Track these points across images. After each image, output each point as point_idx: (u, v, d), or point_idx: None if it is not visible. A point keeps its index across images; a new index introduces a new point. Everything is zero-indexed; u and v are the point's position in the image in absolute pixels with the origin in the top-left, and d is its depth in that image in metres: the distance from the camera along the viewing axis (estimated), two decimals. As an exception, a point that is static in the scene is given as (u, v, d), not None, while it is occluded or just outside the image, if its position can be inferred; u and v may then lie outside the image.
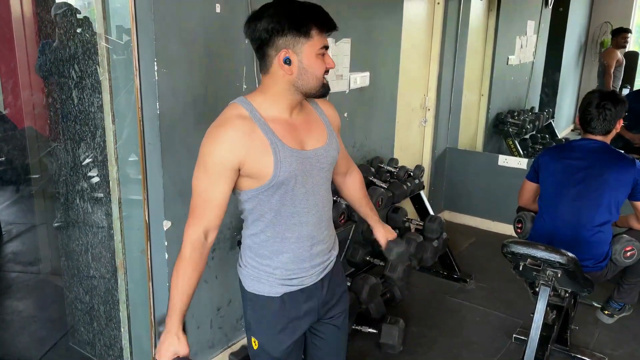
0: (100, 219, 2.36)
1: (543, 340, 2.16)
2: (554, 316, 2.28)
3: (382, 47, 3.34)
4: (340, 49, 2.92)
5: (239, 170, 1.35)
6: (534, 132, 5.77)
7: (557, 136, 6.28)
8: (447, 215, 4.69)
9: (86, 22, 2.21)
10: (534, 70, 6.17)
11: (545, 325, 2.24)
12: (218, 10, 2.17)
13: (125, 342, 2.43)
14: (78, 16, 2.23)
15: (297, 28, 1.31)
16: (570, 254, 1.80)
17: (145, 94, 2.03)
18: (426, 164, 4.34)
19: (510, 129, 5.38)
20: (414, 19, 3.78)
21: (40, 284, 3.27)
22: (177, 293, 1.38)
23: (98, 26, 2.08)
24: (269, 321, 1.51)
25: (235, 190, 1.42)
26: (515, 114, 5.56)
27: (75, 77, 2.25)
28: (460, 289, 3.41)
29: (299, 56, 1.33)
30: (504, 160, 4.29)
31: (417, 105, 4.11)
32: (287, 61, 1.33)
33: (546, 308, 2.27)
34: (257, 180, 1.37)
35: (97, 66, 2.13)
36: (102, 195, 2.33)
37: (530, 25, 5.75)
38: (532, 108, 6.13)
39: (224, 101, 2.28)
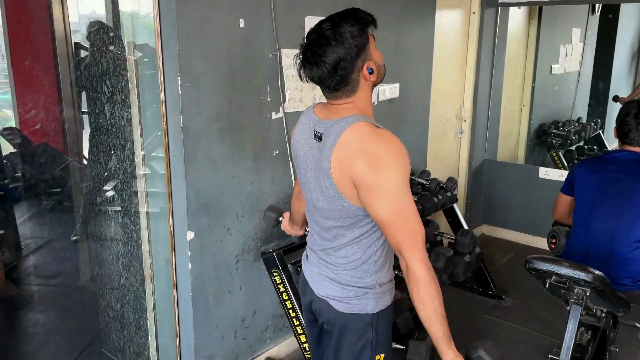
0: (130, 229, 2.44)
1: (576, 362, 2.05)
2: (588, 337, 2.16)
3: (413, 58, 3.31)
4: (368, 61, 2.91)
5: None
6: (580, 144, 5.54)
7: (606, 147, 5.99)
8: (485, 230, 4.56)
9: (117, 40, 2.30)
10: (581, 79, 5.93)
11: (579, 347, 2.13)
12: (242, 25, 2.22)
13: (152, 351, 2.49)
14: (110, 34, 2.33)
15: (365, 40, 1.33)
16: (597, 272, 1.70)
17: (170, 108, 2.10)
18: (462, 176, 4.24)
19: (554, 140, 5.19)
20: (447, 30, 3.73)
21: (63, 296, 3.38)
22: (444, 319, 1.35)
23: (127, 43, 2.17)
24: (390, 329, 1.57)
25: (358, 208, 1.37)
26: (560, 124, 5.36)
27: (107, 92, 2.35)
28: (495, 306, 3.30)
29: (372, 60, 1.37)
30: (545, 173, 4.14)
31: (452, 116, 4.04)
32: (371, 71, 1.36)
33: (580, 328, 2.17)
34: None
35: (126, 82, 2.22)
36: (131, 206, 2.40)
37: (576, 32, 5.55)
38: (579, 118, 5.89)
39: (247, 115, 2.35)
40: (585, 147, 5.62)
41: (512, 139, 5.07)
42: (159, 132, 2.15)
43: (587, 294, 1.76)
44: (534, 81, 5.00)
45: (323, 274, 1.52)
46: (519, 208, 4.30)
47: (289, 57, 2.45)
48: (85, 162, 3.57)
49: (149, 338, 2.47)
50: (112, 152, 2.41)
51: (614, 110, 6.71)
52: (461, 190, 4.26)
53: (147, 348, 2.50)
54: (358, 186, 1.31)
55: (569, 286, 1.76)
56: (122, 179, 2.40)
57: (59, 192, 3.53)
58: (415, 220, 1.31)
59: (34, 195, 3.50)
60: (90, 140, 2.73)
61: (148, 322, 2.45)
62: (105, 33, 2.31)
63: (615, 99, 5.56)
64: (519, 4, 4.17)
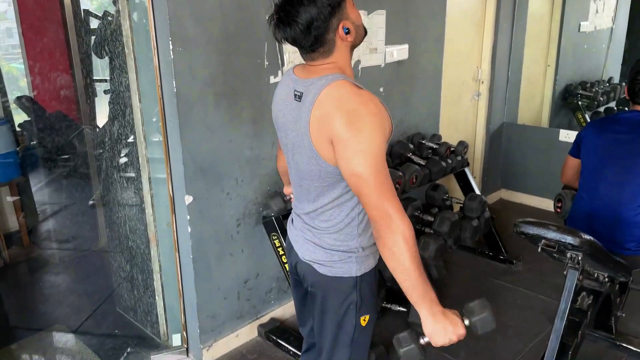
0: (134, 193, 2.50)
1: (573, 326, 2.02)
2: (589, 301, 2.12)
3: (423, 17, 3.20)
4: (373, 22, 2.84)
5: None
6: (610, 105, 5.30)
7: (639, 109, 5.73)
8: (504, 194, 4.47)
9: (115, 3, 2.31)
10: (614, 37, 5.63)
11: (579, 311, 2.09)
12: (235, -13, 2.18)
13: (160, 310, 2.58)
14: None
15: None
16: (585, 236, 1.65)
17: (163, 73, 2.11)
18: (480, 140, 4.15)
19: (581, 102, 4.98)
20: (462, -13, 3.58)
21: (82, 258, 3.51)
22: (423, 273, 1.27)
23: (121, 7, 2.17)
24: (375, 291, 1.55)
25: (335, 168, 1.34)
26: (588, 85, 5.13)
27: (107, 58, 2.37)
28: (505, 271, 3.26)
29: (348, 19, 1.34)
30: (566, 135, 4.00)
31: (468, 78, 3.92)
32: (347, 31, 1.33)
33: (582, 293, 2.13)
34: None
35: (123, 46, 2.24)
36: (134, 171, 2.45)
37: (609, -13, 5.24)
38: (611, 79, 5.62)
39: (244, 79, 2.33)
40: (615, 108, 5.38)
41: (536, 100, 4.90)
42: (155, 97, 2.17)
43: (580, 258, 1.72)
44: (559, 40, 4.77)
45: (307, 237, 1.52)
46: (539, 172, 4.19)
47: (287, 19, 2.40)
48: (97, 128, 3.65)
49: (156, 298, 2.56)
50: (114, 118, 2.46)
51: (650, 69, 6.37)
52: (478, 154, 4.17)
53: (155, 307, 2.60)
54: (335, 143, 1.28)
55: (559, 250, 1.71)
56: (124, 144, 2.45)
57: (74, 159, 3.63)
58: (390, 182, 1.28)
59: (49, 162, 3.61)
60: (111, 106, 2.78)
61: (155, 283, 2.54)
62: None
63: None
64: (541, -42, 3.95)
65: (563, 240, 1.64)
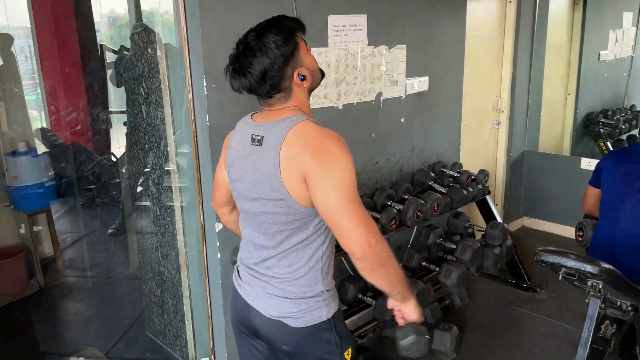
0: (166, 221, 2.61)
1: (596, 355, 2.03)
2: (613, 330, 2.13)
3: (443, 50, 3.31)
4: (394, 56, 2.95)
5: None
6: (633, 132, 5.30)
7: (662, 136, 5.71)
8: (526, 222, 4.48)
9: (153, 43, 2.47)
10: (635, 65, 5.66)
11: (602, 340, 2.10)
12: (264, 26, 2.32)
13: (189, 334, 2.66)
14: (151, 36, 2.50)
15: (292, 47, 1.32)
16: (605, 265, 1.69)
17: (197, 108, 2.24)
18: (500, 168, 4.19)
19: (602, 130, 5.00)
20: (481, 20, 3.69)
21: (110, 285, 3.62)
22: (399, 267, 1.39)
23: (159, 47, 2.32)
24: (344, 322, 1.54)
25: (306, 209, 1.35)
26: (609, 113, 5.16)
27: (143, 93, 2.52)
28: (528, 299, 3.27)
29: (303, 66, 1.36)
30: (588, 164, 4.02)
31: (488, 107, 3.99)
32: (303, 77, 1.36)
33: (605, 321, 2.15)
34: None
35: (159, 83, 2.38)
36: (167, 200, 2.57)
37: (627, 17, 5.30)
38: (633, 106, 5.63)
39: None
40: (638, 136, 5.38)
41: (557, 128, 4.94)
42: (188, 130, 2.30)
43: (601, 286, 1.75)
44: (579, 69, 4.84)
45: (268, 292, 1.44)
46: (561, 200, 4.20)
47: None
48: (114, 159, 3.79)
49: (186, 322, 2.65)
50: (149, 149, 2.59)
51: (673, 96, 6.36)
52: (499, 182, 4.21)
53: (184, 332, 2.68)
54: (308, 178, 1.28)
55: (579, 278, 1.75)
56: (158, 174, 2.58)
57: (92, 189, 3.77)
58: (364, 210, 1.30)
59: (68, 193, 3.73)
60: (129, 138, 2.93)
61: (184, 308, 2.63)
62: (148, 35, 2.47)
63: None
64: (559, -10, 4.05)
65: (582, 269, 1.68)
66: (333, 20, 2.58)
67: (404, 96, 3.08)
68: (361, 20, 2.71)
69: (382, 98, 2.95)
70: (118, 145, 4.15)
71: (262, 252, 1.45)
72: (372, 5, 2.76)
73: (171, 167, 2.46)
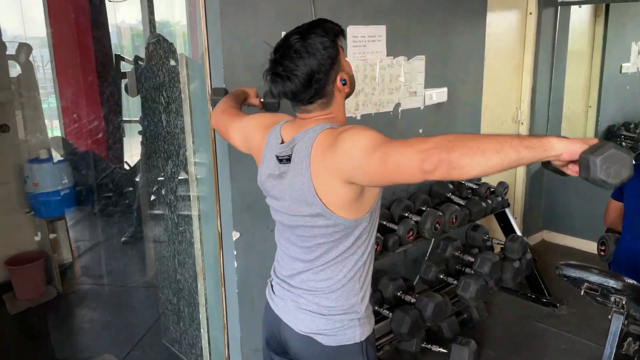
0: (184, 229, 2.63)
1: (620, 373, 1.98)
2: (636, 347, 2.08)
3: (462, 61, 3.29)
4: (413, 66, 2.95)
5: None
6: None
7: (687, 150, 5.59)
8: (546, 236, 4.41)
9: (172, 53, 2.50)
10: (658, 78, 5.57)
11: (625, 357, 2.05)
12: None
13: (204, 343, 2.66)
14: (165, 46, 2.54)
15: (336, 50, 1.30)
16: (628, 280, 1.64)
17: (216, 117, 2.25)
18: (520, 180, 4.14)
19: (624, 143, 4.91)
20: (501, 31, 3.67)
21: (126, 292, 3.64)
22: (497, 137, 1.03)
23: (180, 57, 2.35)
24: (376, 355, 1.46)
25: (346, 220, 1.28)
26: (632, 126, 5.07)
27: (163, 102, 2.55)
28: (548, 314, 3.20)
29: (344, 71, 1.33)
30: (610, 177, 3.94)
31: (507, 119, 3.96)
32: (344, 82, 1.33)
33: (628, 338, 2.09)
34: (374, 197, 1.32)
35: (180, 92, 2.41)
36: (185, 208, 2.59)
37: (651, 28, 5.23)
38: (657, 119, 5.53)
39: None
40: (660, 149, 5.28)
41: (578, 141, 4.86)
42: (207, 139, 2.32)
43: (624, 302, 1.71)
44: (601, 81, 4.77)
45: (301, 307, 1.38)
46: (581, 214, 4.13)
47: (331, 66, 2.54)
48: (127, 167, 3.81)
49: (201, 330, 2.65)
50: (168, 157, 2.61)
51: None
52: (519, 195, 4.15)
53: (200, 340, 2.68)
54: (332, 164, 1.19)
55: (602, 294, 1.71)
56: (177, 182, 2.60)
57: (107, 197, 3.80)
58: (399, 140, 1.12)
59: (83, 201, 3.76)
60: (146, 147, 2.95)
61: (200, 316, 2.63)
62: (163, 46, 2.51)
63: None
64: (579, 3, 4.02)
65: (606, 284, 1.64)
66: (352, 31, 2.59)
67: (422, 107, 3.07)
68: (380, 31, 2.72)
69: (400, 109, 2.94)
70: (130, 154, 4.20)
71: (297, 265, 1.40)
72: (391, 16, 2.77)
73: (189, 175, 2.48)
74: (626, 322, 1.91)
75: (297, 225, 1.36)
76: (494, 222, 3.53)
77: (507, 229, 3.40)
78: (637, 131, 4.98)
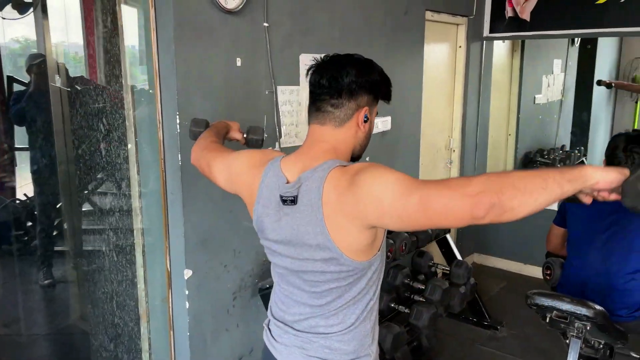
0: (125, 267, 2.40)
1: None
2: (588, 368, 2.17)
3: (403, 90, 3.37)
4: (361, 96, 2.96)
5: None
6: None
7: (590, 174, 6.11)
8: (476, 258, 4.58)
9: (113, 77, 2.31)
10: (563, 109, 6.08)
11: (579, 378, 2.13)
12: (239, 64, 2.25)
13: (147, 392, 2.43)
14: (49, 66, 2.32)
15: (381, 91, 1.31)
16: (598, 307, 1.72)
17: (168, 146, 2.10)
18: (453, 205, 4.28)
19: (540, 169, 5.28)
20: (435, 63, 3.82)
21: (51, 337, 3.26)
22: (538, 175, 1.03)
23: (124, 82, 2.18)
24: None
25: (361, 263, 1.21)
26: (545, 152, 5.47)
27: (103, 130, 2.34)
28: (491, 337, 3.29)
29: (372, 114, 1.30)
30: (534, 201, 4.19)
31: (441, 146, 4.10)
32: (366, 119, 1.28)
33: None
34: (383, 232, 1.26)
35: (124, 120, 2.22)
36: (126, 244, 2.37)
37: (557, 63, 5.71)
38: (563, 146, 6.01)
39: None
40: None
41: (499, 167, 5.15)
42: (156, 170, 2.15)
43: (587, 328, 1.77)
44: (518, 111, 5.12)
45: (309, 354, 1.30)
46: (510, 236, 4.34)
47: (285, 94, 2.48)
48: (25, 198, 3.41)
49: (144, 379, 2.42)
50: (107, 189, 2.40)
51: (596, 137, 6.88)
52: (452, 219, 4.29)
53: (141, 390, 2.44)
54: (352, 208, 1.11)
55: (570, 321, 1.77)
56: (118, 216, 2.38)
57: (5, 237, 3.37)
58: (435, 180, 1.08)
59: None
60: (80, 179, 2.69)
61: (143, 363, 2.40)
62: (46, 65, 2.29)
63: (599, 83, 5.75)
64: (502, 38, 4.30)
65: (578, 312, 1.69)
66: (304, 59, 2.55)
67: (369, 136, 3.08)
68: (331, 59, 2.70)
69: (349, 137, 2.93)
70: (20, 185, 3.74)
71: (304, 310, 1.30)
72: (340, 45, 2.76)
73: (133, 209, 2.28)
74: (583, 345, 1.98)
75: (305, 270, 1.26)
76: (432, 246, 3.61)
77: (448, 254, 3.47)
78: (551, 157, 5.37)
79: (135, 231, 2.29)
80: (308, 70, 1.31)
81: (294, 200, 1.22)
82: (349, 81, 1.24)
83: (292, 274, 1.31)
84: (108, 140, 2.32)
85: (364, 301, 1.27)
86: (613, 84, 5.96)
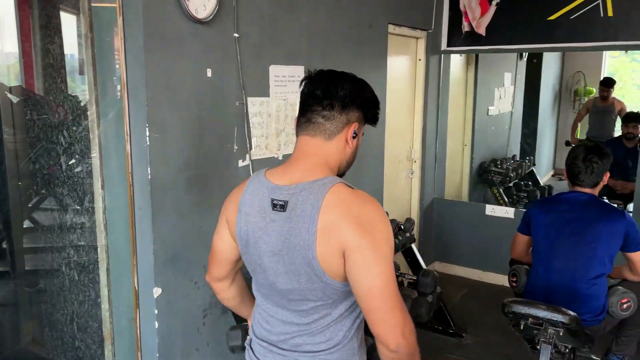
0: (87, 287, 2.28)
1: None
2: (556, 372, 2.23)
3: (368, 103, 3.40)
4: (328, 107, 2.96)
5: None
6: (517, 180, 5.85)
7: (539, 183, 6.36)
8: (437, 267, 4.66)
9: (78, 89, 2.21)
10: (513, 120, 6.32)
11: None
12: (209, 75, 2.20)
13: (111, 418, 2.30)
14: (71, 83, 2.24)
15: (370, 110, 1.32)
16: (572, 313, 1.78)
17: (136, 159, 2.01)
18: (415, 215, 4.35)
19: (494, 178, 5.44)
20: (397, 75, 3.88)
21: None
22: None
23: (89, 92, 2.08)
24: None
25: (345, 284, 1.20)
26: (498, 162, 5.65)
27: (64, 142, 2.23)
28: (456, 345, 3.34)
29: (359, 133, 1.31)
30: (491, 210, 4.32)
31: (403, 157, 4.16)
32: (355, 135, 1.29)
33: (548, 365, 2.24)
34: None
35: (87, 132, 2.12)
36: (89, 262, 2.26)
37: (507, 77, 5.94)
38: (514, 156, 6.24)
39: (215, 164, 2.30)
40: (522, 183, 5.94)
41: (456, 177, 5.28)
42: (123, 184, 2.06)
43: (560, 333, 1.83)
44: (473, 122, 5.27)
45: None
46: (469, 244, 4.44)
47: (255, 105, 2.44)
48: None
49: (108, 405, 2.29)
50: (68, 205, 2.27)
51: (542, 147, 7.21)
52: (415, 229, 4.34)
53: (105, 416, 2.31)
54: (348, 254, 1.14)
55: (544, 327, 1.82)
56: (79, 233, 2.26)
57: None
58: (398, 291, 1.18)
59: None
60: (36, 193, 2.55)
61: (107, 387, 2.28)
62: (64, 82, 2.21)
63: (567, 143, 6.04)
64: (459, 52, 4.43)
65: (554, 319, 1.74)
66: (274, 70, 2.53)
67: (336, 147, 3.08)
68: (299, 71, 2.69)
69: (316, 149, 2.92)
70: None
71: (290, 328, 1.28)
72: (308, 57, 2.76)
73: (97, 225, 2.17)
74: (553, 350, 2.04)
75: (289, 288, 1.23)
76: (398, 256, 3.64)
77: (414, 263, 3.51)
78: (504, 167, 5.55)
79: (99, 248, 2.18)
80: (301, 82, 1.31)
81: (283, 207, 1.19)
82: (343, 94, 1.25)
83: (277, 294, 1.27)
84: (69, 153, 2.21)
85: (350, 318, 1.27)
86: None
